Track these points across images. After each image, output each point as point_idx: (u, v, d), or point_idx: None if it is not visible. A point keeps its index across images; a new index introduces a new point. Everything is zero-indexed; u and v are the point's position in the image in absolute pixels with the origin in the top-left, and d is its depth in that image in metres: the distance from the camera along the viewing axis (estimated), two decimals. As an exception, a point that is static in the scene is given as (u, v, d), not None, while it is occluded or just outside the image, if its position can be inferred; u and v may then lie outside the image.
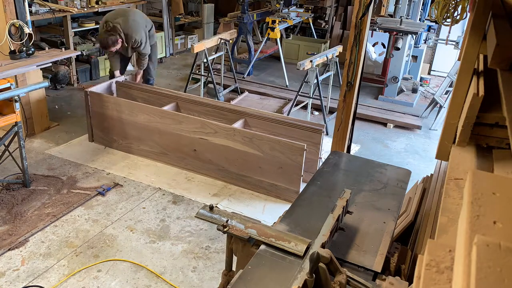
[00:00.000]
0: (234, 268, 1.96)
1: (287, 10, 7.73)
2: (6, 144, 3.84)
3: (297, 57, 7.95)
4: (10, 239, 3.31)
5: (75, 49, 6.38)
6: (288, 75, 7.00)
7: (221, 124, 4.11)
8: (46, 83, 4.01)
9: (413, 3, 7.16)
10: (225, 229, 1.78)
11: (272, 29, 6.96)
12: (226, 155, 4.13)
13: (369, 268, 1.72)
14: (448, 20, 3.46)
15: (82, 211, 3.70)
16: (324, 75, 5.69)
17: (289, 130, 4.22)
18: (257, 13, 7.52)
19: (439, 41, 7.08)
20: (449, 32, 5.99)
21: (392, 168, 2.60)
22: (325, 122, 5.41)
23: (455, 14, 3.43)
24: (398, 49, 6.27)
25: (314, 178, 2.43)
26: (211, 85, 6.18)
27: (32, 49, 4.44)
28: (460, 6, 3.37)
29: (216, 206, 1.91)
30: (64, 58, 5.57)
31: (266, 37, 7.28)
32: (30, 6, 5.25)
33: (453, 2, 3.37)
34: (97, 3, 6.47)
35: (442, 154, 1.71)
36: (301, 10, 8.23)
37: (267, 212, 3.83)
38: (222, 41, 6.22)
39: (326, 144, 4.37)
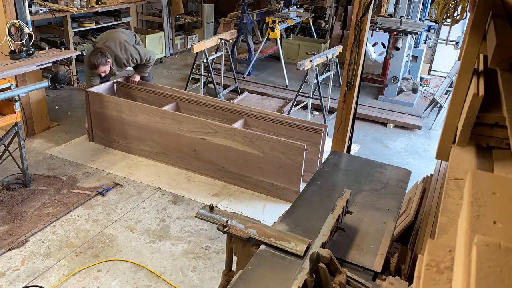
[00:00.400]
0: (234, 268, 1.96)
1: (287, 10, 7.73)
2: (6, 144, 3.84)
3: (297, 57, 7.95)
4: (10, 239, 3.31)
5: (75, 49, 6.38)
6: (288, 75, 7.00)
7: (221, 124, 4.11)
8: (46, 83, 4.01)
9: (413, 3, 7.16)
10: (225, 229, 1.78)
11: (272, 29, 6.96)
12: (226, 155, 4.13)
13: (369, 268, 1.72)
14: (448, 20, 3.46)
15: (82, 211, 3.70)
16: (324, 75, 5.69)
17: (289, 130, 4.22)
18: (257, 13, 7.52)
19: (439, 41, 7.09)
20: (449, 32, 5.99)
21: (392, 168, 2.60)
22: (325, 122, 5.41)
23: (455, 14, 3.43)
24: (398, 49, 6.27)
25: (314, 178, 2.43)
26: (211, 85, 6.18)
27: (32, 49, 4.44)
28: (460, 6, 3.37)
29: (216, 206, 1.91)
30: (64, 58, 5.57)
31: (266, 37, 7.28)
32: (30, 6, 5.25)
33: (453, 2, 3.37)
34: (97, 3, 6.47)
35: (442, 154, 1.71)
36: (301, 10, 8.23)
37: (267, 212, 3.83)
38: (222, 41, 6.22)
39: (326, 144, 4.37)
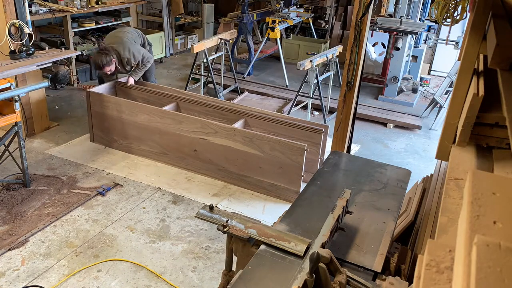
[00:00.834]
0: (234, 268, 1.96)
1: (287, 10, 7.73)
2: (6, 144, 3.84)
3: (297, 57, 7.95)
4: (10, 239, 3.31)
5: (75, 49, 6.39)
6: (288, 75, 7.00)
7: (221, 124, 4.11)
8: (46, 83, 4.01)
9: (413, 3, 7.16)
10: (225, 229, 1.78)
11: (272, 29, 6.96)
12: (226, 155, 4.13)
13: (369, 268, 1.72)
14: (448, 20, 3.46)
15: (82, 211, 3.70)
16: (324, 75, 5.69)
17: (290, 130, 4.22)
18: (257, 13, 7.52)
19: (439, 41, 7.09)
20: (449, 32, 5.99)
21: (392, 168, 2.60)
22: (325, 122, 5.41)
23: (455, 14, 3.43)
24: (398, 49, 6.27)
25: (314, 178, 2.43)
26: (211, 85, 6.18)
27: (32, 49, 4.44)
28: (460, 6, 3.37)
29: (216, 206, 1.91)
30: (64, 58, 5.57)
31: (266, 37, 7.27)
32: (30, 6, 5.25)
33: (453, 2, 3.37)
34: (97, 3, 6.47)
35: (442, 154, 1.71)
36: (301, 10, 8.23)
37: (267, 212, 3.83)
38: (222, 41, 6.22)
39: (327, 144, 4.37)
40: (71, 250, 3.25)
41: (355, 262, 1.75)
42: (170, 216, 3.70)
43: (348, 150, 3.93)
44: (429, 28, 7.34)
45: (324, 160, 2.72)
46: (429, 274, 0.79)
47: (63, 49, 4.89)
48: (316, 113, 6.02)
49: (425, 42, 7.48)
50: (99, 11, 6.59)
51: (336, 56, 5.75)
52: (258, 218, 2.03)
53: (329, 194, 2.25)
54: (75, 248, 3.27)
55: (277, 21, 6.98)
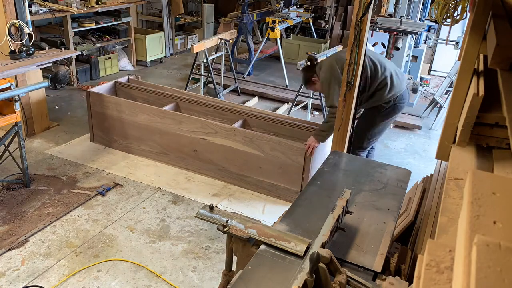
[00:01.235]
0: (234, 268, 1.96)
1: (287, 10, 7.73)
2: (6, 144, 3.84)
3: (297, 57, 7.94)
4: (10, 239, 3.31)
5: (75, 49, 6.39)
6: (288, 75, 7.00)
7: (221, 124, 4.11)
8: (46, 83, 4.01)
9: (413, 3, 7.16)
10: (225, 229, 1.78)
11: (272, 29, 6.96)
12: (226, 155, 4.13)
13: (369, 268, 1.72)
14: (448, 20, 3.45)
15: (82, 211, 3.70)
16: (324, 75, 5.68)
17: (290, 130, 4.22)
18: (257, 13, 7.52)
19: (439, 41, 7.09)
20: (449, 32, 5.99)
21: (392, 168, 2.60)
22: (325, 122, 5.40)
23: (455, 14, 3.42)
24: (398, 49, 6.27)
25: (314, 178, 2.43)
26: (211, 85, 6.18)
27: (32, 49, 4.44)
28: (460, 6, 3.37)
29: (216, 206, 1.91)
30: (64, 58, 5.57)
31: (266, 37, 7.27)
32: (30, 6, 5.25)
33: (453, 2, 3.37)
34: (97, 3, 6.47)
35: (442, 154, 1.71)
36: (301, 10, 8.23)
37: (267, 212, 3.83)
38: (222, 41, 6.22)
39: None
40: (71, 250, 3.25)
41: (355, 262, 1.75)
42: (170, 216, 3.70)
43: (348, 150, 3.93)
44: (429, 28, 7.34)
45: (324, 160, 2.72)
46: (429, 274, 0.79)
47: (63, 49, 4.90)
48: (316, 113, 6.02)
49: (425, 42, 7.48)
50: (99, 11, 6.59)
51: (336, 56, 5.73)
52: (258, 218, 2.03)
53: (329, 194, 2.25)
54: (75, 248, 3.27)
55: (277, 21, 6.98)
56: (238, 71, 7.40)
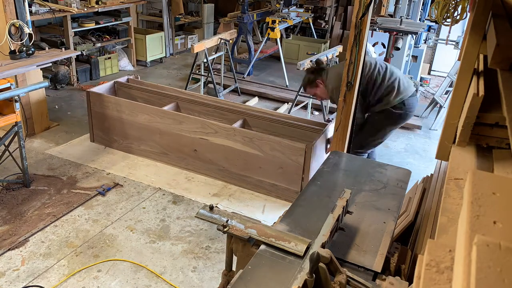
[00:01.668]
0: (234, 268, 1.96)
1: (287, 10, 7.73)
2: (6, 144, 3.84)
3: (297, 57, 7.94)
4: (10, 239, 3.31)
5: (75, 49, 6.39)
6: (288, 75, 7.00)
7: (221, 124, 4.11)
8: (46, 83, 4.01)
9: (413, 3, 7.16)
10: (225, 229, 1.78)
11: (272, 29, 6.96)
12: (226, 155, 4.13)
13: (369, 268, 1.72)
14: (448, 20, 3.45)
15: (82, 211, 3.70)
16: (324, 75, 5.68)
17: (290, 130, 4.22)
18: (257, 13, 7.52)
19: (439, 41, 7.08)
20: (449, 32, 5.99)
21: (392, 168, 2.60)
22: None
23: (455, 14, 3.42)
24: (398, 49, 6.27)
25: (314, 178, 2.43)
26: (211, 85, 6.18)
27: (32, 49, 4.44)
28: (460, 6, 3.37)
29: (216, 206, 1.91)
30: (64, 58, 5.57)
31: (266, 37, 7.27)
32: (30, 6, 5.25)
33: (453, 2, 3.37)
34: (97, 3, 6.47)
35: (442, 154, 1.71)
36: (301, 10, 8.23)
37: (267, 212, 3.83)
38: (222, 41, 6.22)
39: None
40: (71, 250, 3.25)
41: (355, 262, 1.75)
42: (170, 216, 3.70)
43: (348, 150, 3.93)
44: (429, 28, 7.34)
45: (324, 160, 2.72)
46: (429, 274, 0.79)
47: (63, 49, 4.90)
48: (316, 113, 6.02)
49: (425, 42, 7.48)
50: (99, 11, 6.59)
51: (336, 56, 5.74)
52: (258, 218, 2.03)
53: (329, 194, 2.25)
54: (75, 248, 3.27)
55: (277, 21, 6.98)
56: (238, 71, 7.40)
